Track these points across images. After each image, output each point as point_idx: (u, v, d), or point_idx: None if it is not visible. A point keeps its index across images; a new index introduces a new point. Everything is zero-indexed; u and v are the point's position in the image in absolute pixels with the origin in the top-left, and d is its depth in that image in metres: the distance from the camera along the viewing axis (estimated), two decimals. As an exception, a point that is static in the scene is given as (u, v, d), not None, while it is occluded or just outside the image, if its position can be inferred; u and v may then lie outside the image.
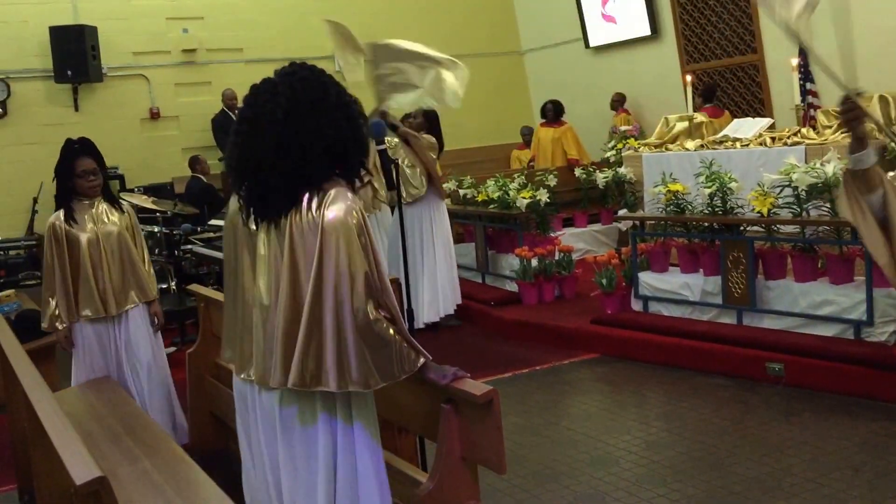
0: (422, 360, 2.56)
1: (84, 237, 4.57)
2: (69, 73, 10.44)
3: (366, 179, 2.69)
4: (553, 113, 11.05)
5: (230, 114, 10.93)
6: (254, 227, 2.61)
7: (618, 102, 11.42)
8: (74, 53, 10.39)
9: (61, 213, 4.61)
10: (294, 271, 2.50)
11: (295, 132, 2.50)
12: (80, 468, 2.32)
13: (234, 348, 2.75)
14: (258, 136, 2.52)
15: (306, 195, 2.52)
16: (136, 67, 11.28)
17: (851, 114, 2.65)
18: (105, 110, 11.01)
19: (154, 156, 11.13)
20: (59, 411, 2.86)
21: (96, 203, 4.67)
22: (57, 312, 4.56)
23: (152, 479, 3.33)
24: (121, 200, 4.89)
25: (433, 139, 7.46)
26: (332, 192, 2.51)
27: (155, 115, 11.20)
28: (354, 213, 2.49)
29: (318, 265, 2.44)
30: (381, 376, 2.50)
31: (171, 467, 3.43)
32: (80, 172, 4.57)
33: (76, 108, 10.87)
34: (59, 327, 4.59)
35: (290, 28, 11.94)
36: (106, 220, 4.65)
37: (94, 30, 10.64)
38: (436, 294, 7.42)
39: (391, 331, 2.49)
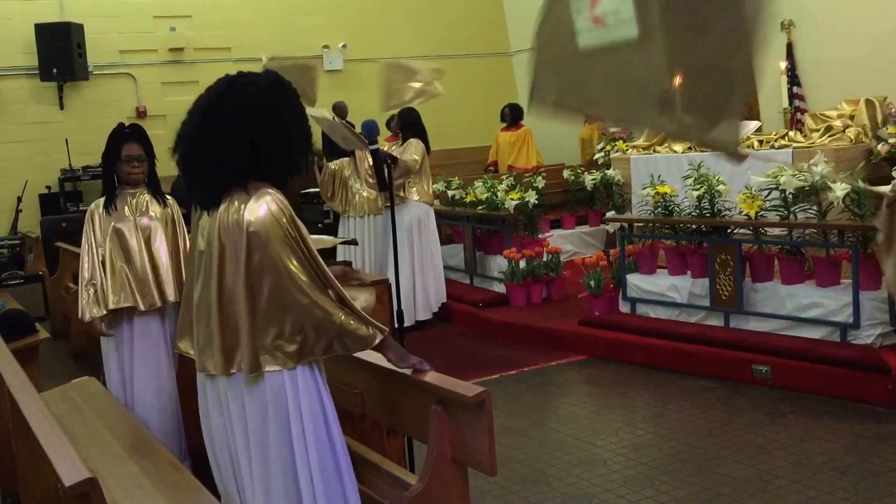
0: (378, 336, 2.65)
1: (122, 227, 4.36)
2: (55, 71, 10.36)
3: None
4: (511, 117, 10.81)
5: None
6: (202, 219, 2.77)
7: None
8: (60, 51, 10.32)
9: (102, 200, 4.43)
10: (221, 269, 2.63)
11: (216, 127, 2.63)
12: (70, 469, 2.30)
13: (188, 339, 2.86)
14: (187, 125, 2.72)
15: (231, 194, 2.65)
16: (122, 66, 11.22)
17: None
18: (91, 109, 10.95)
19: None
20: (47, 412, 2.84)
21: (139, 193, 4.45)
22: (95, 299, 4.31)
23: (139, 481, 3.30)
24: (165, 193, 4.58)
25: (421, 144, 7.48)
26: (255, 192, 2.63)
27: (141, 114, 11.14)
28: (277, 208, 2.59)
29: (246, 263, 2.57)
30: (327, 349, 2.62)
31: (159, 469, 3.40)
32: (125, 157, 4.37)
33: (61, 107, 10.81)
34: (96, 314, 4.30)
35: (278, 27, 11.91)
36: (146, 210, 4.43)
37: (80, 27, 10.58)
38: (426, 293, 7.54)
39: (336, 310, 2.60)
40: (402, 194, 7.42)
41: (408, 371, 2.82)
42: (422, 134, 7.61)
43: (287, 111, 2.69)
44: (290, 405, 2.65)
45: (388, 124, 10.37)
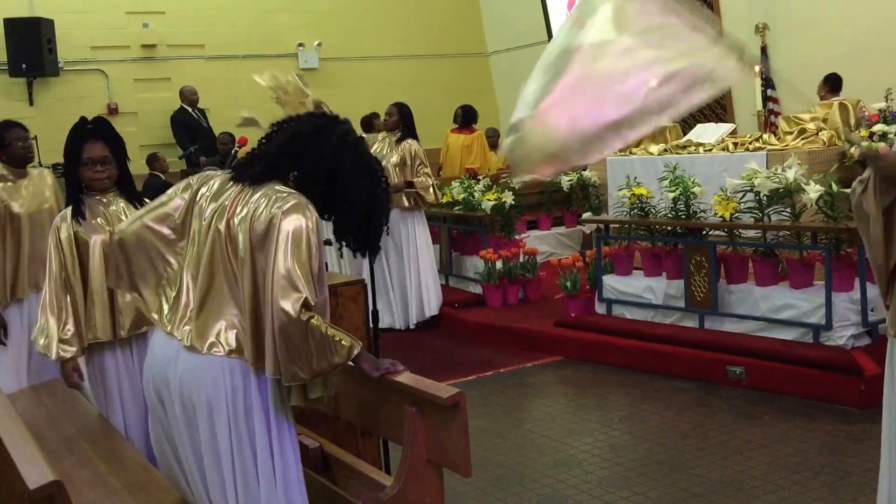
0: (356, 349, 2.59)
1: (95, 240, 3.69)
2: (24, 66, 10.20)
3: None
4: (463, 119, 10.74)
5: (189, 110, 10.79)
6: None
7: None
8: (30, 46, 10.16)
9: (68, 211, 3.75)
10: (235, 254, 2.64)
11: (328, 142, 2.72)
12: (35, 472, 2.25)
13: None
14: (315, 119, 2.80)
15: (270, 184, 2.66)
16: (93, 62, 11.08)
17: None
18: (61, 105, 10.78)
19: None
20: (13, 414, 2.78)
21: (111, 199, 3.80)
22: (65, 336, 3.61)
23: (107, 482, 3.24)
24: (142, 198, 3.86)
25: (418, 145, 7.46)
26: (295, 197, 2.62)
27: (113, 111, 10.99)
28: (311, 224, 2.58)
29: (254, 260, 2.58)
30: (312, 370, 2.53)
31: (128, 470, 3.35)
32: (86, 160, 3.71)
33: (31, 103, 10.64)
34: (67, 356, 3.62)
35: (252, 25, 11.82)
36: (122, 220, 3.62)
37: (50, 23, 10.41)
38: (420, 296, 7.53)
39: (323, 326, 2.52)
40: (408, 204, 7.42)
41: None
42: (414, 130, 7.61)
43: (377, 197, 2.77)
44: (254, 399, 2.64)
45: (365, 124, 10.33)
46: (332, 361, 2.53)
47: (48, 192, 4.88)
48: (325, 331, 2.51)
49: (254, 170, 2.74)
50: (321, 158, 2.69)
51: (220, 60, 11.68)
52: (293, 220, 2.54)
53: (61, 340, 3.60)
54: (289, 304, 2.46)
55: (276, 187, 2.66)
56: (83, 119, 3.80)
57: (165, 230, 2.88)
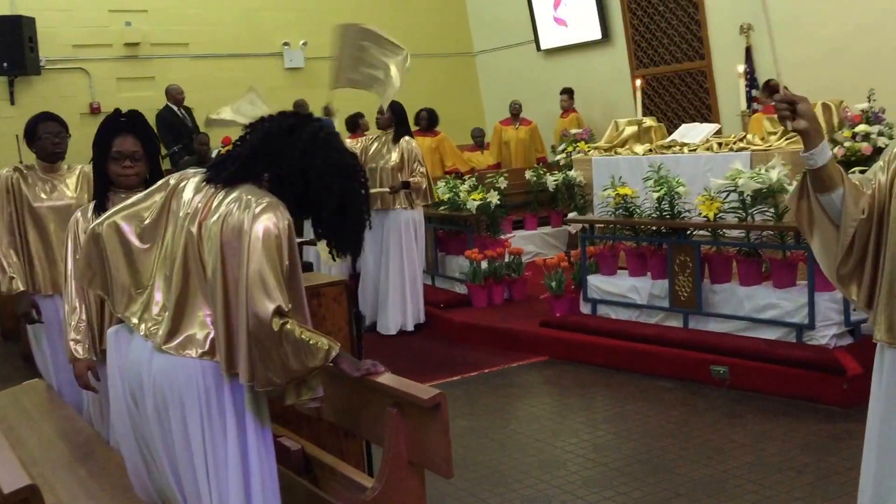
0: (333, 352, 2.55)
1: None
2: (5, 65, 10.13)
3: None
4: (427, 121, 10.71)
5: (175, 109, 10.73)
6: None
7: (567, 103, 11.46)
8: (11, 45, 10.08)
9: (90, 206, 3.57)
10: (216, 262, 2.57)
11: (301, 138, 2.67)
12: (10, 475, 2.22)
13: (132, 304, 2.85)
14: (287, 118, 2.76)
15: (244, 187, 2.63)
16: (75, 60, 11.01)
17: (781, 106, 2.52)
18: (43, 104, 10.62)
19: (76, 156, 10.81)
20: (-11, 416, 2.75)
21: None
22: (78, 336, 3.47)
23: (87, 485, 3.22)
24: None
25: (415, 143, 7.43)
26: (267, 199, 2.58)
27: (95, 110, 10.93)
28: (284, 227, 2.54)
29: (236, 264, 2.52)
30: (287, 375, 2.51)
31: (107, 473, 3.32)
32: (115, 153, 3.52)
33: (12, 102, 10.57)
34: (80, 356, 3.45)
35: (237, 23, 11.78)
36: None
37: (31, 21, 10.33)
38: (417, 300, 7.50)
39: (297, 331, 2.49)
40: (396, 206, 7.37)
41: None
42: (408, 127, 7.58)
43: (354, 194, 2.72)
44: (227, 401, 2.62)
45: (350, 124, 10.30)
46: (307, 365, 2.50)
47: (75, 189, 4.66)
48: (300, 335, 2.48)
49: (227, 172, 2.70)
50: (293, 158, 2.66)
51: (204, 59, 11.64)
52: (264, 222, 2.51)
53: (74, 339, 3.45)
54: (261, 310, 2.44)
55: (249, 189, 2.63)
56: (117, 111, 3.63)
57: (134, 231, 2.85)
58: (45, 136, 4.61)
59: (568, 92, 11.47)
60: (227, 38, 11.54)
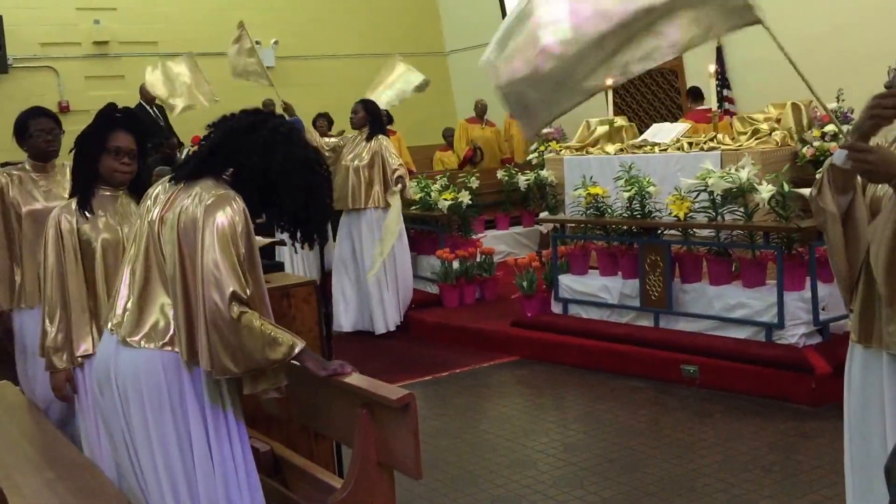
0: (297, 348, 2.57)
1: (100, 239, 3.40)
2: (-28, 63, 10.01)
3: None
4: (386, 121, 10.88)
5: (148, 108, 10.61)
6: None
7: None
8: (-22, 43, 9.96)
9: (73, 202, 3.43)
10: (173, 255, 2.61)
11: (263, 138, 2.69)
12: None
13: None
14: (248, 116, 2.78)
15: (202, 182, 2.65)
16: (44, 59, 10.87)
17: (887, 111, 2.37)
18: (10, 104, 10.48)
19: (63, 152, 10.69)
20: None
21: (120, 195, 3.50)
22: (56, 344, 3.32)
23: (55, 488, 3.17)
24: None
25: (388, 140, 7.39)
26: (220, 192, 2.62)
27: (64, 109, 10.78)
28: (239, 218, 2.57)
29: (192, 257, 2.56)
30: (246, 365, 2.53)
31: (75, 476, 3.28)
32: (113, 148, 3.38)
33: (-21, 101, 10.41)
34: (59, 365, 3.33)
35: (206, 21, 11.67)
36: (130, 220, 3.38)
37: (-1, 19, 10.23)
38: (396, 299, 7.45)
39: (256, 322, 2.52)
40: (369, 206, 7.32)
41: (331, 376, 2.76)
42: (383, 126, 7.53)
43: (315, 186, 2.75)
44: (189, 393, 2.63)
45: (314, 123, 10.23)
46: (267, 357, 2.53)
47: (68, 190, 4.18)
48: (260, 326, 2.51)
49: (188, 168, 2.75)
50: (253, 154, 2.69)
51: (174, 58, 11.50)
52: (218, 214, 2.55)
53: (52, 349, 3.32)
54: (217, 298, 2.47)
55: (206, 184, 2.67)
56: (112, 105, 3.49)
57: None
58: (37, 133, 4.24)
59: None
60: (197, 36, 11.43)
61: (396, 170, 7.21)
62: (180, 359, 2.62)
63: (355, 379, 2.75)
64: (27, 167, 4.29)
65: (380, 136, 7.34)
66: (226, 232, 2.53)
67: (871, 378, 2.58)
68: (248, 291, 2.53)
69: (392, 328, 7.38)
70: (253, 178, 2.70)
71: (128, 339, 2.67)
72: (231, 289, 2.48)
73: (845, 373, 2.70)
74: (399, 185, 7.15)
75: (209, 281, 2.49)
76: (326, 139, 7.79)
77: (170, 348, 2.64)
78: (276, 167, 2.68)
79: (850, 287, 2.61)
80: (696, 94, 9.37)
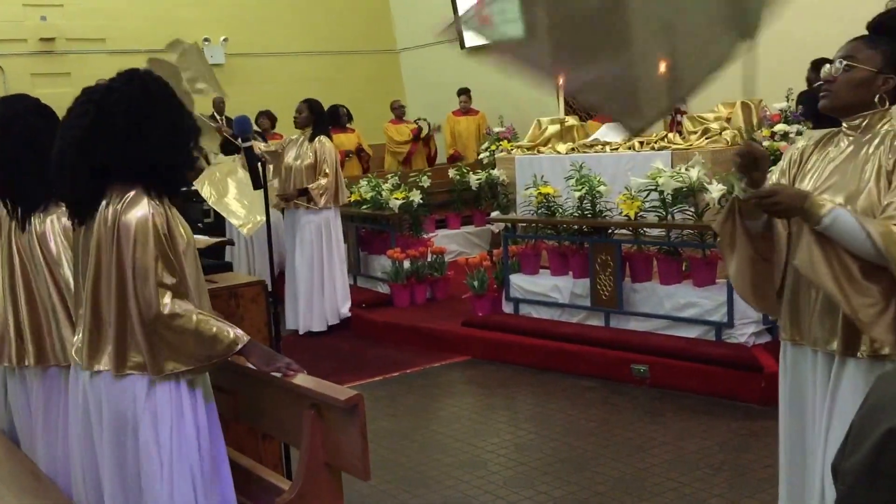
0: (240, 343, 2.53)
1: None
2: (-90, 57, 9.70)
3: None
4: (347, 118, 10.82)
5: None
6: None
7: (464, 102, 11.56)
8: (-83, 37, 9.66)
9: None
10: (97, 268, 2.53)
11: (98, 136, 2.54)
12: None
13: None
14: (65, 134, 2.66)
15: (107, 196, 2.55)
16: (-12, 55, 10.61)
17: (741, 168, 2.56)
18: (-48, 99, 10.29)
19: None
20: None
21: None
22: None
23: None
24: None
25: (330, 144, 7.30)
26: (131, 194, 2.52)
27: (8, 106, 10.53)
28: (151, 215, 2.49)
29: (117, 263, 2.47)
30: (187, 361, 2.49)
31: (17, 478, 3.18)
32: None
33: (-81, 97, 10.11)
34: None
35: (155, 18, 11.47)
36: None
37: (-60, 13, 9.94)
38: (332, 301, 7.39)
39: (194, 318, 2.47)
40: (300, 208, 7.27)
41: (277, 374, 2.70)
42: (326, 126, 7.46)
43: (158, 118, 2.58)
44: (146, 418, 2.52)
45: (256, 121, 10.10)
46: (208, 352, 2.49)
47: None
48: (196, 320, 2.47)
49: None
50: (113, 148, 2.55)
51: (122, 55, 11.25)
52: (133, 213, 2.48)
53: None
54: (147, 295, 2.43)
55: (118, 188, 2.56)
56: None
57: None
58: None
59: (466, 92, 11.54)
60: (146, 33, 11.21)
61: (319, 179, 7.19)
62: (136, 380, 2.52)
63: (303, 379, 2.71)
64: None
65: (322, 138, 7.26)
66: (145, 229, 2.46)
67: (800, 376, 2.63)
68: (178, 287, 2.48)
69: (301, 331, 7.32)
70: (128, 166, 2.56)
71: (85, 368, 2.59)
72: (158, 286, 2.43)
73: (780, 372, 2.74)
74: (292, 195, 7.20)
75: (138, 282, 2.44)
76: (265, 145, 7.64)
77: (122, 371, 2.53)
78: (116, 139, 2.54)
79: (773, 295, 2.67)
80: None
